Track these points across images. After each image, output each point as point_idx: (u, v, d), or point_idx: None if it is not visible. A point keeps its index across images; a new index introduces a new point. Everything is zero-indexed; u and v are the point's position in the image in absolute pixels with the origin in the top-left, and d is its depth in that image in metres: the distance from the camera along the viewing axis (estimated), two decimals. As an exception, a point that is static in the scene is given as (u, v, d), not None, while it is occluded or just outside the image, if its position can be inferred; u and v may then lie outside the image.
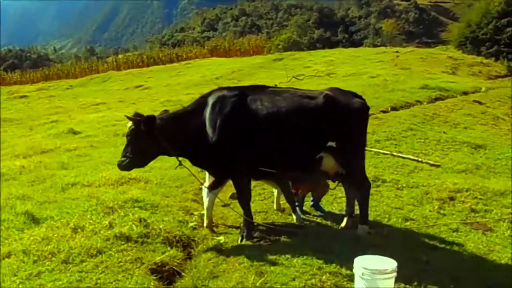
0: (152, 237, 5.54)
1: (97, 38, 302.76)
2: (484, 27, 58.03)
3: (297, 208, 6.65)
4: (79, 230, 5.62)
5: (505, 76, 30.00)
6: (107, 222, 5.74)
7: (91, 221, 5.83)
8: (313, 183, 6.78)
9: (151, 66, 45.22)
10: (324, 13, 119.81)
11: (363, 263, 4.31)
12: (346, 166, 6.02)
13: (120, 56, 72.22)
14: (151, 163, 6.99)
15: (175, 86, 28.25)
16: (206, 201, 6.26)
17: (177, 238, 5.69)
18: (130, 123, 5.88)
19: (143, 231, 5.57)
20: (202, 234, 6.06)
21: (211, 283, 4.78)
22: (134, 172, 8.05)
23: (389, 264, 4.33)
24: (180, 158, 6.04)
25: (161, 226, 5.77)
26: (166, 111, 6.37)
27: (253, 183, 6.65)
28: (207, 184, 6.32)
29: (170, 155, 6.12)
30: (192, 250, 5.62)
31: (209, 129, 5.83)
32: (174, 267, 5.07)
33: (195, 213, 6.75)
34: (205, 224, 6.26)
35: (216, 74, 31.66)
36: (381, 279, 4.24)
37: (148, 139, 5.78)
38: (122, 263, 4.89)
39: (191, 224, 6.21)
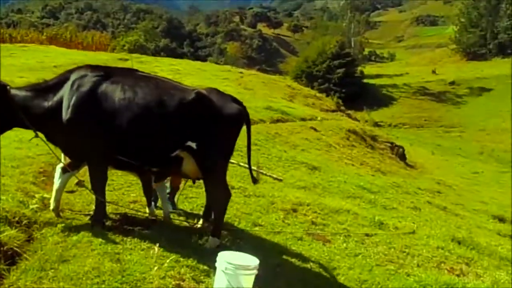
0: (-13, 215, 4.95)
1: None
2: (319, 64, 63.24)
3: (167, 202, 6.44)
4: None
5: (334, 111, 32.59)
6: None
7: None
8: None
9: (-21, 43, 40.82)
10: (173, 24, 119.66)
11: (227, 258, 4.31)
12: (205, 171, 5.67)
13: None
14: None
15: (8, 67, 25.62)
16: (57, 182, 5.75)
17: (16, 218, 5.15)
18: None
19: (-23, 208, 4.95)
20: (46, 217, 5.55)
21: (62, 267, 4.39)
22: (-38, 147, 7.20)
23: (252, 261, 4.41)
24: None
25: (-2, 204, 5.19)
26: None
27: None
28: (61, 164, 5.83)
29: (26, 128, 5.62)
30: (33, 233, 5.12)
31: (64, 107, 5.45)
32: (14, 248, 4.56)
33: (36, 195, 6.15)
34: (51, 207, 5.73)
35: (55, 62, 29.54)
36: (244, 274, 4.29)
37: (1, 108, 5.34)
38: (-50, 240, 4.29)
39: (32, 206, 5.68)
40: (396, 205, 10.39)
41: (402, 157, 20.95)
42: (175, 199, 7.00)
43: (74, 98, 5.41)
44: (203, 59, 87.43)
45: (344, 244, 6.95)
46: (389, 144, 21.49)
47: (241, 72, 35.88)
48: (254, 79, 32.96)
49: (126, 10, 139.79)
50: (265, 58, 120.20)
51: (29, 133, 6.16)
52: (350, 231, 7.54)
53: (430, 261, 6.93)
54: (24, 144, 8.12)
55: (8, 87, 5.52)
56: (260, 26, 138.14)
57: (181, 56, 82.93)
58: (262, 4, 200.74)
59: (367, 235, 7.52)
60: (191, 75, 30.54)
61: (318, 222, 7.70)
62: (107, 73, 5.66)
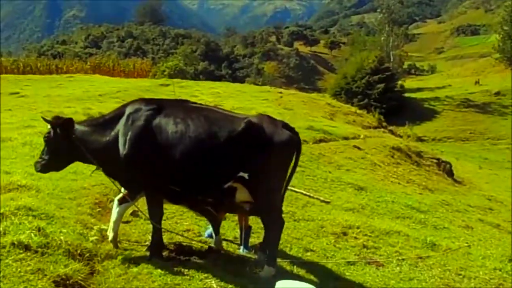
0: (52, 248, 5.11)
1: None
2: (358, 80, 63.00)
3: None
4: (-34, 234, 5.04)
5: (376, 127, 32.19)
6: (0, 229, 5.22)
7: (-21, 226, 5.26)
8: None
9: (28, 75, 42.32)
10: (210, 47, 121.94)
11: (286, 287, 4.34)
12: (257, 201, 5.66)
13: (-9, 59, 66.76)
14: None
15: (55, 97, 26.66)
16: (114, 213, 5.93)
17: (79, 251, 5.31)
18: (49, 126, 5.71)
19: (43, 241, 5.13)
20: (106, 249, 5.70)
21: (125, 300, 4.51)
22: (24, 179, 7.48)
23: (310, 289, 4.41)
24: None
25: (61, 237, 5.36)
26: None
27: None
28: (119, 196, 6.00)
29: (86, 162, 5.91)
30: (95, 265, 5.27)
31: (120, 141, 5.65)
32: (79, 281, 4.71)
33: (94, 227, 6.34)
34: (110, 238, 5.90)
35: (100, 91, 30.42)
36: (302, 304, 4.29)
37: (65, 143, 5.60)
38: (22, 273, 4.45)
39: (91, 238, 5.85)
40: (447, 225, 10.19)
41: (450, 173, 20.46)
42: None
43: (130, 133, 5.60)
44: (241, 80, 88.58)
45: (398, 268, 6.88)
46: (435, 160, 21.02)
47: (280, 92, 35.83)
48: (294, 98, 32.95)
49: (165, 35, 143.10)
50: (303, 76, 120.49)
51: (84, 165, 6.40)
52: (402, 253, 7.44)
53: (487, 283, 6.77)
54: (79, 175, 8.39)
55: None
56: (296, 44, 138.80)
57: (219, 78, 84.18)
58: (298, 22, 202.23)
59: (420, 257, 7.40)
60: (232, 97, 30.82)
61: (369, 246, 7.65)
62: (159, 106, 5.81)
